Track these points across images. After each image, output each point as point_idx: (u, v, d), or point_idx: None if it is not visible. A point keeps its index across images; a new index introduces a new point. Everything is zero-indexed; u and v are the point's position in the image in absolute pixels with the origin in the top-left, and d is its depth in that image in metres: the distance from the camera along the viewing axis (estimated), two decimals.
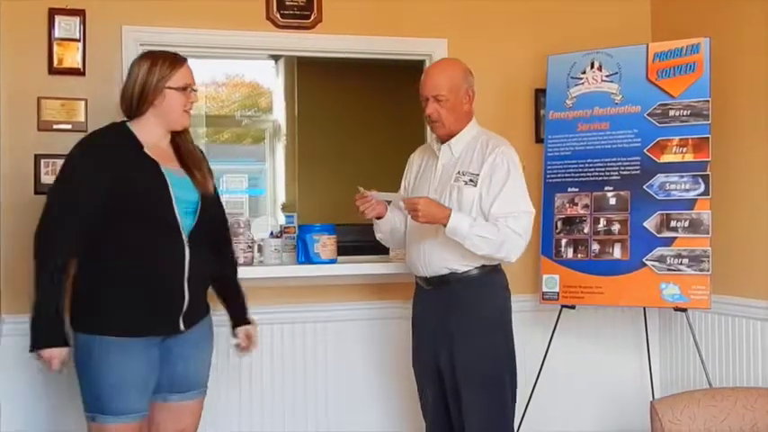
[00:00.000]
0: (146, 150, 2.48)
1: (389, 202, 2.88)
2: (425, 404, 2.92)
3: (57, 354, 2.36)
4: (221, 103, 6.67)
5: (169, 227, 2.45)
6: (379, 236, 3.00)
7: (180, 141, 2.60)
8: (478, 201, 2.71)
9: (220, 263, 2.71)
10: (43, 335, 2.36)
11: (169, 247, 2.45)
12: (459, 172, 2.76)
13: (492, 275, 2.79)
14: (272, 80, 6.20)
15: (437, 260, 2.75)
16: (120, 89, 2.55)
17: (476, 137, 2.83)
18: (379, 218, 2.86)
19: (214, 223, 2.65)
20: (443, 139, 2.84)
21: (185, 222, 2.48)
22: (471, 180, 2.72)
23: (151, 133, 2.52)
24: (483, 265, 2.74)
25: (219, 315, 2.87)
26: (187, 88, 2.54)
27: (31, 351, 2.37)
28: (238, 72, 6.52)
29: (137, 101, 2.50)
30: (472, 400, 2.70)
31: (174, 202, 2.45)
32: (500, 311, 2.82)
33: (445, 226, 2.63)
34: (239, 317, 2.77)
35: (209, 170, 2.64)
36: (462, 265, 2.73)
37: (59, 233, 2.37)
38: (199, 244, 2.52)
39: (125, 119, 2.54)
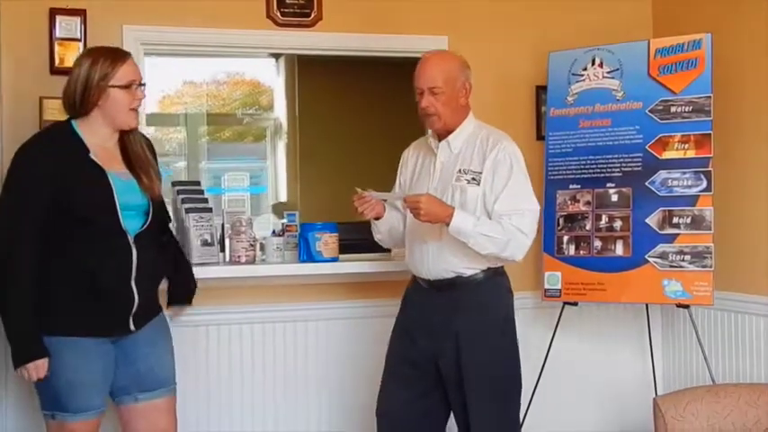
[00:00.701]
0: (91, 156, 2.44)
1: (385, 201, 2.84)
2: (388, 401, 2.82)
3: (41, 365, 2.38)
4: (222, 101, 6.67)
5: (114, 231, 2.44)
6: (377, 237, 2.94)
7: (128, 142, 2.55)
8: (482, 199, 2.65)
9: (170, 260, 2.72)
10: (24, 350, 2.38)
11: (115, 250, 2.44)
12: (460, 170, 2.70)
13: (497, 278, 2.74)
14: (273, 78, 6.21)
15: (442, 263, 2.69)
16: (63, 88, 2.50)
17: (474, 132, 2.75)
18: (377, 218, 2.80)
19: (160, 224, 2.65)
20: (440, 135, 2.76)
21: (132, 225, 2.47)
22: (474, 179, 2.66)
23: (98, 134, 2.49)
24: (488, 268, 2.70)
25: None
26: (132, 85, 2.47)
27: (16, 368, 2.39)
28: (239, 70, 6.52)
29: (79, 101, 2.46)
30: (479, 403, 2.65)
31: (117, 208, 2.43)
32: (506, 314, 2.77)
33: (448, 225, 2.57)
34: (186, 295, 2.79)
35: (156, 173, 2.60)
36: (468, 269, 2.68)
37: (16, 246, 2.37)
38: (147, 245, 2.51)
39: (69, 117, 2.51)
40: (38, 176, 2.39)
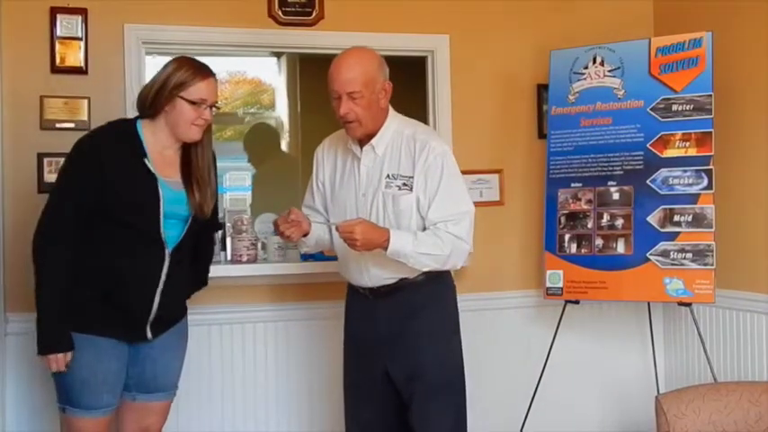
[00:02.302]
0: (146, 160, 2.42)
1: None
2: (354, 423, 2.70)
3: (61, 358, 2.39)
4: (224, 100, 6.66)
5: (152, 240, 2.43)
6: (304, 249, 2.80)
7: (193, 155, 2.52)
8: (416, 206, 2.50)
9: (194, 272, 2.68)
10: (49, 341, 2.38)
11: (148, 258, 2.43)
12: (388, 175, 2.53)
13: (443, 276, 2.62)
14: (275, 77, 6.20)
15: (383, 271, 2.53)
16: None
17: (397, 130, 2.56)
18: (304, 236, 2.58)
19: (200, 235, 2.61)
20: (361, 140, 2.57)
21: (171, 235, 2.46)
22: (405, 184, 2.50)
23: (159, 139, 2.47)
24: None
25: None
26: (201, 104, 2.43)
27: (39, 354, 2.40)
28: (240, 69, 6.52)
29: (150, 101, 2.44)
30: (438, 406, 2.55)
31: (161, 218, 2.42)
32: (455, 312, 2.66)
33: (385, 249, 2.41)
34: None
35: (212, 193, 2.55)
36: (413, 270, 2.52)
37: (58, 235, 2.37)
38: (181, 256, 2.50)
39: (137, 115, 2.50)
40: (89, 169, 2.37)
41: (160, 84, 2.43)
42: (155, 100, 2.43)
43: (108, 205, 2.38)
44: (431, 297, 2.59)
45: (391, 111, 2.61)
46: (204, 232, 2.68)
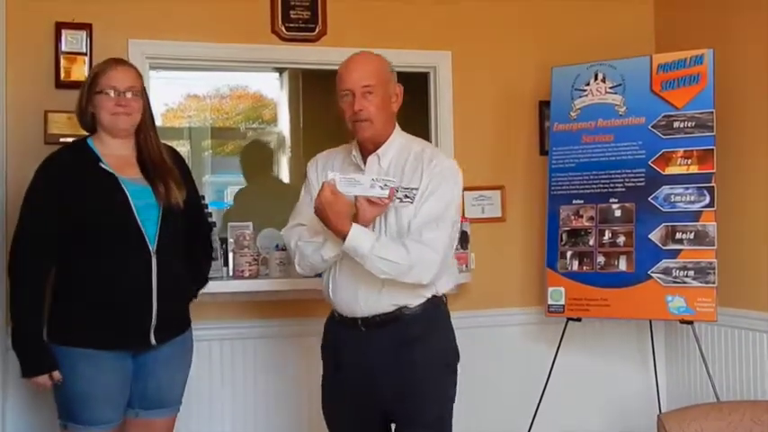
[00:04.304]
0: (102, 164, 2.46)
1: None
2: None
3: (44, 379, 2.41)
4: (225, 114, 6.70)
5: (133, 237, 2.43)
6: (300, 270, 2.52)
7: (144, 150, 2.55)
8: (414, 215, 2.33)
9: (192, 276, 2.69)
10: (31, 364, 2.41)
11: (134, 259, 2.43)
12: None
13: (441, 305, 2.44)
14: (276, 92, 6.23)
15: (384, 299, 2.33)
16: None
17: (405, 145, 2.43)
18: None
19: (189, 233, 2.61)
20: (365, 149, 2.43)
21: (150, 231, 2.45)
22: (407, 197, 2.33)
23: (108, 145, 2.51)
24: (433, 296, 2.39)
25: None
26: (112, 90, 2.46)
27: (23, 377, 2.43)
28: (242, 84, 6.55)
29: (81, 113, 2.52)
30: None
31: (134, 211, 2.43)
32: (453, 343, 2.47)
33: (343, 240, 2.24)
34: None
35: (176, 181, 2.53)
36: (415, 298, 2.36)
37: (28, 262, 2.41)
38: (169, 256, 2.49)
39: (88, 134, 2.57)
40: (48, 192, 2.43)
41: (81, 93, 2.52)
42: (82, 109, 2.51)
43: (81, 216, 2.40)
44: (428, 328, 2.40)
45: (397, 126, 2.50)
46: (195, 233, 2.69)
